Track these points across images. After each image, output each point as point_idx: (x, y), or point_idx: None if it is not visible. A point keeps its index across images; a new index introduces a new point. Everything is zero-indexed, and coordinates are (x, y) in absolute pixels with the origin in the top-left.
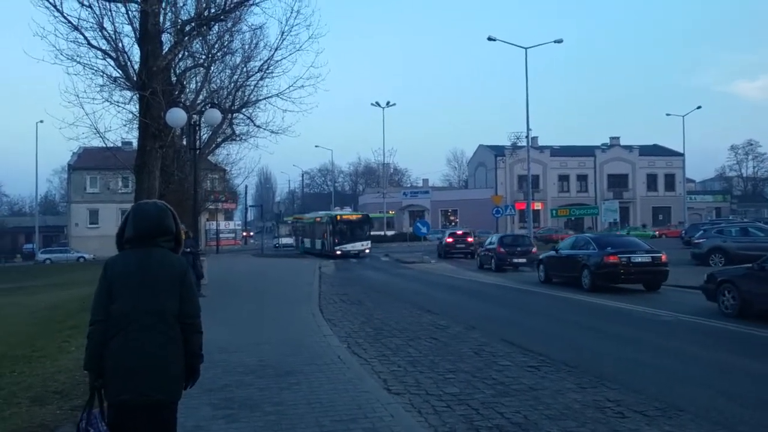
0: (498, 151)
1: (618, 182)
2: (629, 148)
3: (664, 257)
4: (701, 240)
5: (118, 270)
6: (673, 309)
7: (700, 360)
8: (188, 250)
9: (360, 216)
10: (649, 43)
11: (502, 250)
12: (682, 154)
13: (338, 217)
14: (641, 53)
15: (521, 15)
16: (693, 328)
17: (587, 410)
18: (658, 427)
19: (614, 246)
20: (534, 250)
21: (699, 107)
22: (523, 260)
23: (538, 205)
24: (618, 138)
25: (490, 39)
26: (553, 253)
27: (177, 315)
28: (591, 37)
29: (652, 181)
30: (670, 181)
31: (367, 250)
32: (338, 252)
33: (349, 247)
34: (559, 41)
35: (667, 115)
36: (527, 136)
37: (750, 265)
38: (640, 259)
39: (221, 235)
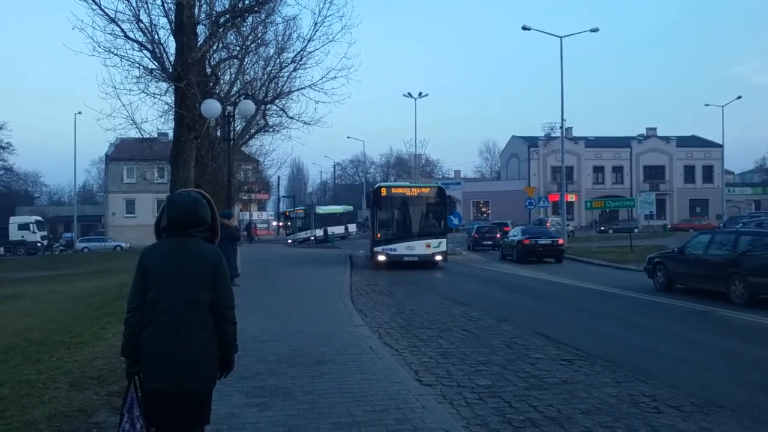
0: (531, 142)
1: (654, 174)
2: (666, 139)
3: (561, 240)
4: None
5: (153, 259)
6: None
7: (717, 350)
8: (240, 238)
9: (426, 189)
10: (687, 33)
11: (476, 236)
12: (721, 146)
13: (382, 191)
14: (679, 43)
15: (556, 3)
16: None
17: (622, 405)
18: (695, 423)
19: (530, 233)
20: (498, 235)
21: (739, 97)
22: (490, 243)
23: (572, 197)
24: (655, 129)
25: (524, 28)
26: (506, 239)
27: (209, 305)
28: (627, 26)
29: (689, 173)
30: (708, 173)
31: (439, 257)
32: (380, 257)
33: (401, 248)
34: (595, 30)
35: (706, 105)
36: (561, 127)
37: (674, 248)
38: (544, 242)
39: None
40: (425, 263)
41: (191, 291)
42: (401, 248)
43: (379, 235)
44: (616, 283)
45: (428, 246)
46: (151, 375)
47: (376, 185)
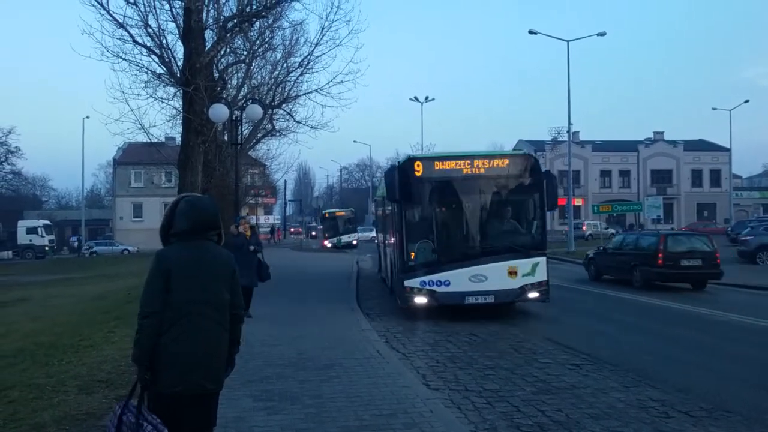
0: (538, 146)
1: (662, 178)
2: (673, 143)
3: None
4: (748, 237)
5: (176, 262)
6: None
7: (720, 352)
8: (252, 248)
9: (502, 161)
10: (694, 36)
11: None
12: (729, 149)
13: (417, 168)
14: (685, 46)
15: (563, 7)
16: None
17: (631, 409)
18: (704, 428)
19: None
20: None
21: (747, 101)
22: None
23: (578, 201)
24: (662, 133)
25: (531, 32)
26: None
27: (229, 306)
28: (634, 29)
29: (697, 177)
30: (715, 177)
31: (534, 294)
32: (417, 298)
33: (458, 279)
34: (602, 34)
35: (714, 109)
36: (568, 131)
37: (601, 246)
38: None
39: (261, 230)
40: (507, 306)
41: (218, 293)
42: (459, 279)
43: (413, 254)
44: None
45: (512, 273)
46: (174, 379)
47: (405, 158)
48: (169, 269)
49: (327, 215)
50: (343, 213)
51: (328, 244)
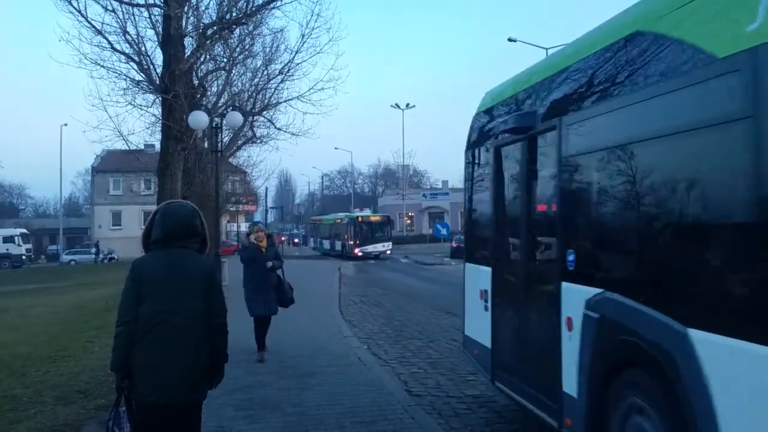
0: None
1: None
2: None
3: None
4: None
5: (148, 271)
6: None
7: None
8: (270, 264)
9: None
10: None
11: (455, 245)
12: None
13: None
14: None
15: (542, 15)
16: None
17: None
18: None
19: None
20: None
21: None
22: None
23: None
24: None
25: (510, 40)
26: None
27: (205, 315)
28: None
29: None
30: None
31: None
32: None
33: None
34: None
35: None
36: None
37: None
38: None
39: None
40: None
41: (190, 302)
42: None
43: None
44: None
45: None
46: (149, 388)
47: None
48: (140, 279)
49: (361, 220)
50: (378, 218)
51: (359, 252)
